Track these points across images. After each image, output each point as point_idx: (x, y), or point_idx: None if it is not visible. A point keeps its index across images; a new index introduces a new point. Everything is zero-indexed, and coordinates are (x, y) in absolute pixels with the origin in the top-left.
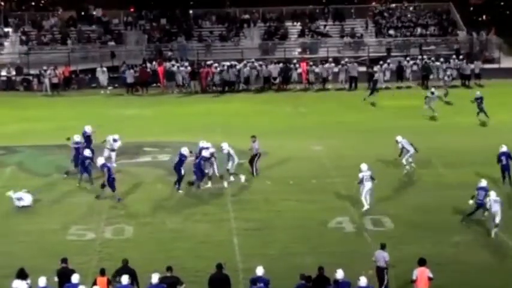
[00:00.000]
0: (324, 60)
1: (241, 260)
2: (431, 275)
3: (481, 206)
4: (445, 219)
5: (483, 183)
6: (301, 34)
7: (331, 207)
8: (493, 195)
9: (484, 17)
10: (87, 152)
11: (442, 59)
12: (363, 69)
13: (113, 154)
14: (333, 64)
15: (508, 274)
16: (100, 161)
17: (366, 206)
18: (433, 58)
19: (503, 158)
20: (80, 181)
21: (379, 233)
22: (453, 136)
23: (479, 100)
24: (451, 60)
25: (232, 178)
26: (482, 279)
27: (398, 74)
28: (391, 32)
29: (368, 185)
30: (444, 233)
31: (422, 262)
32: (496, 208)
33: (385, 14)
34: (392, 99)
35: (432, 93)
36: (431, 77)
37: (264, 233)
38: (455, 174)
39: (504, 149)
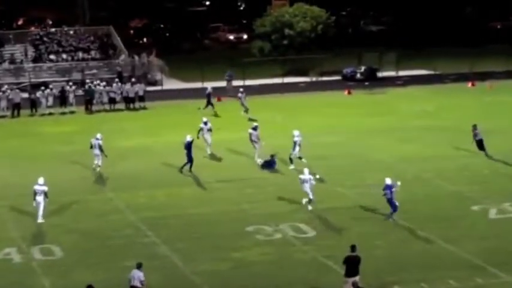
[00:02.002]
0: None
1: None
2: None
3: (390, 201)
4: (115, 244)
5: (388, 181)
6: None
7: None
8: (306, 172)
9: (144, 39)
10: None
11: (104, 83)
12: (25, 95)
13: None
14: None
15: None
16: None
17: (40, 220)
18: (95, 82)
19: (187, 150)
20: None
21: (48, 262)
22: (120, 160)
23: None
24: (114, 84)
25: None
26: None
27: (62, 99)
28: (52, 57)
29: (40, 199)
30: (114, 258)
31: None
32: (305, 188)
33: (45, 39)
34: (56, 125)
35: (205, 123)
36: (94, 101)
37: None
38: (124, 198)
39: (188, 138)
